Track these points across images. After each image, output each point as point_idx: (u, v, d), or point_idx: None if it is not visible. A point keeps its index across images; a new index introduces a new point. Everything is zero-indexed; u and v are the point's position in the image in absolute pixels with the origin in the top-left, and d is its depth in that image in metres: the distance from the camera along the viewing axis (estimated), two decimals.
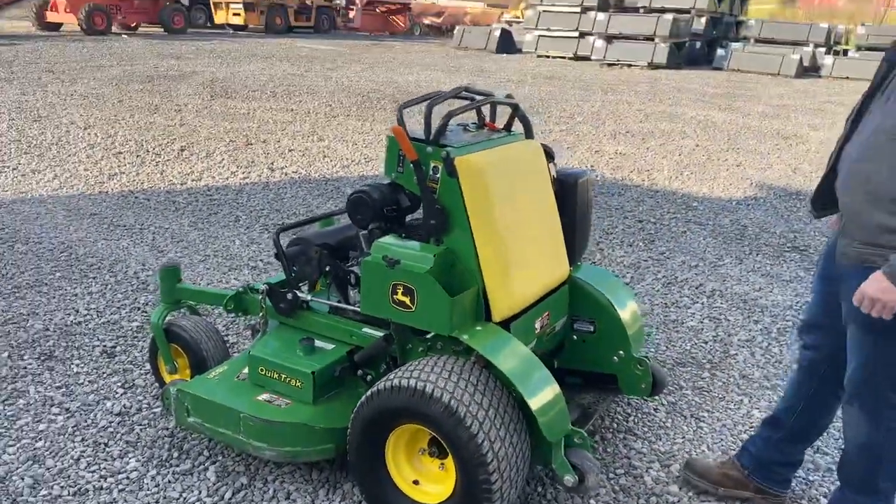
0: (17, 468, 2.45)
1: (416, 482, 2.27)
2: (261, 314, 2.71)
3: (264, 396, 2.46)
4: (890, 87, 1.92)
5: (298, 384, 2.42)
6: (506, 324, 2.35)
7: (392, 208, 2.57)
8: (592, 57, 19.51)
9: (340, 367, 2.50)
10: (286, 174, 6.51)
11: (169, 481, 2.43)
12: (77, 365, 3.13)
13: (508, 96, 2.71)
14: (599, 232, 5.32)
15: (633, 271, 4.54)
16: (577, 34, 20.15)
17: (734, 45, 20.11)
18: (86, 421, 2.74)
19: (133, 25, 21.55)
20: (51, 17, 19.85)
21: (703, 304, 4.05)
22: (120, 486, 2.40)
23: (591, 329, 2.76)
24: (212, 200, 5.62)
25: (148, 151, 6.98)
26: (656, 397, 3.02)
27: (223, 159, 6.86)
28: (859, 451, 2.14)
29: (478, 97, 2.58)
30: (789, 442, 2.40)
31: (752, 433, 2.59)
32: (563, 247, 2.68)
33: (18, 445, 2.57)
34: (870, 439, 2.10)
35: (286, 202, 5.65)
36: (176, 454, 2.57)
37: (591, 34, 19.76)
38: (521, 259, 2.41)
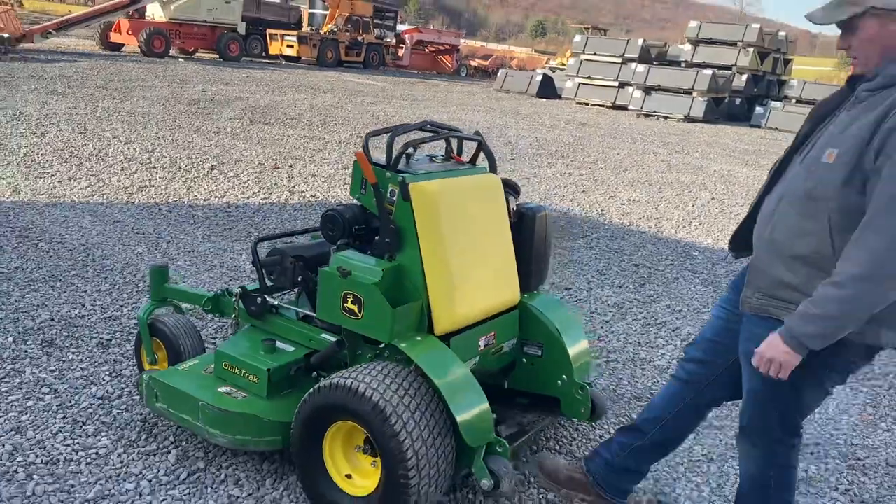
0: (1, 436, 2.72)
1: (348, 476, 2.47)
2: (234, 315, 2.97)
3: (224, 389, 2.70)
4: (809, 147, 2.02)
5: (255, 379, 2.66)
6: (447, 338, 2.56)
7: (361, 227, 2.81)
8: (630, 107, 19.77)
9: (296, 367, 2.72)
10: (305, 197, 6.83)
11: (133, 459, 2.67)
12: (73, 353, 3.42)
13: (477, 133, 2.95)
14: (593, 271, 5.50)
15: (616, 311, 4.69)
16: (616, 84, 20.46)
17: (774, 103, 20.17)
18: (70, 401, 3.00)
19: (191, 50, 22.54)
20: (114, 37, 20.89)
21: (675, 345, 4.19)
22: (88, 460, 2.64)
23: (539, 353, 2.94)
24: (229, 216, 5.95)
25: (180, 168, 7.39)
26: (596, 423, 3.18)
27: (248, 180, 7.22)
28: (751, 483, 2.27)
29: (442, 131, 2.84)
30: (647, 451, 2.53)
31: (608, 438, 2.71)
32: (515, 274, 2.88)
33: (5, 417, 2.84)
34: (761, 474, 2.23)
35: (299, 222, 5.95)
36: (144, 437, 2.81)
37: (630, 84, 20.05)
38: (466, 280, 2.61)
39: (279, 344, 2.82)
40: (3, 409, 2.90)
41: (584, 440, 3.12)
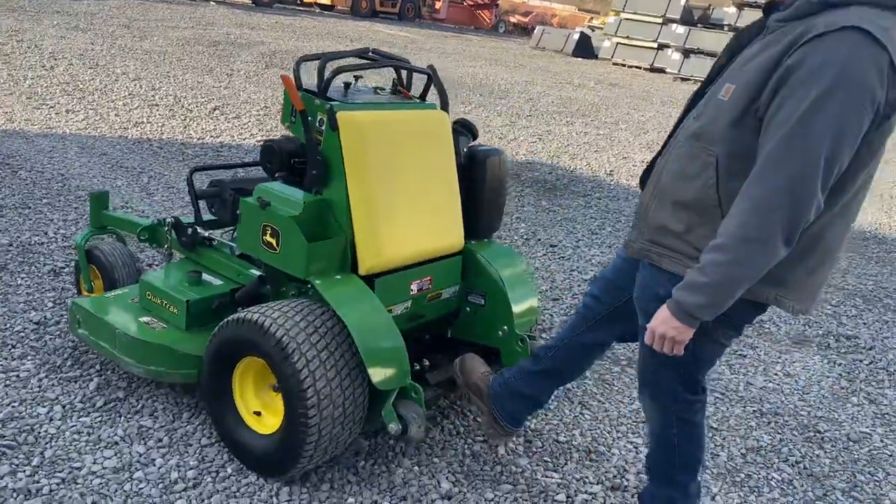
0: None
1: (258, 413, 2.38)
2: (166, 246, 2.88)
3: (145, 319, 2.62)
4: (719, 81, 1.78)
5: (175, 310, 2.58)
6: (373, 279, 2.44)
7: (301, 160, 2.68)
8: (668, 70, 19.16)
9: (219, 301, 2.63)
10: None
11: (52, 385, 2.62)
12: (22, 278, 3.38)
13: (430, 66, 2.78)
14: (585, 230, 5.31)
15: (599, 269, 4.52)
16: (655, 45, 19.82)
17: None
18: (5, 324, 2.96)
19: None
20: None
21: None
22: (7, 382, 2.60)
23: (482, 303, 2.81)
24: (219, 156, 5.87)
25: (182, 107, 7.31)
26: None
27: (249, 122, 7.12)
28: (657, 441, 2.14)
29: (385, 60, 2.68)
30: (538, 378, 2.40)
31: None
32: (458, 218, 2.73)
33: None
34: (663, 430, 2.09)
35: None
36: (70, 363, 2.76)
37: (669, 46, 19.40)
38: (396, 219, 2.48)
39: (207, 278, 2.73)
40: None
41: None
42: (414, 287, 2.59)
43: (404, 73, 2.82)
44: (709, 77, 1.91)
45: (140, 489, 2.18)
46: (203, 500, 2.18)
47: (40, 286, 3.33)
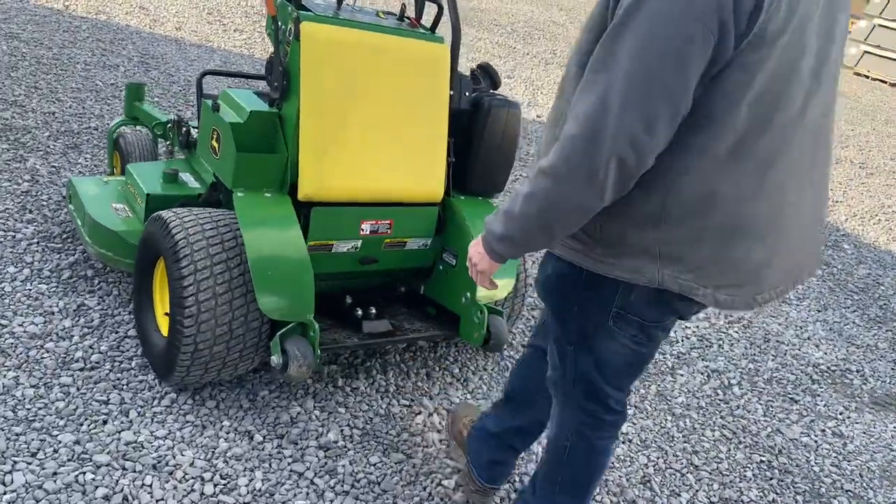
0: None
1: (167, 314, 2.36)
2: (168, 143, 2.93)
3: (118, 205, 2.69)
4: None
5: (139, 202, 2.61)
6: (310, 206, 2.30)
7: None
8: None
9: (183, 202, 2.63)
10: None
11: (36, 250, 2.78)
12: (85, 157, 3.63)
13: None
14: None
15: None
16: None
17: None
18: (39, 192, 3.20)
19: None
20: None
21: None
22: (2, 240, 2.80)
23: (454, 263, 2.58)
24: None
25: None
26: (497, 354, 2.83)
27: None
28: (550, 446, 1.81)
29: None
30: (506, 408, 2.09)
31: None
32: (439, 166, 2.50)
33: None
34: (557, 437, 1.77)
35: None
36: (63, 237, 2.92)
37: None
38: (350, 149, 2.31)
39: (187, 178, 2.73)
40: None
41: (476, 368, 2.72)
42: (366, 227, 2.41)
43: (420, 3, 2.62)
44: None
45: (39, 357, 2.25)
46: (88, 383, 2.20)
47: (96, 167, 3.56)
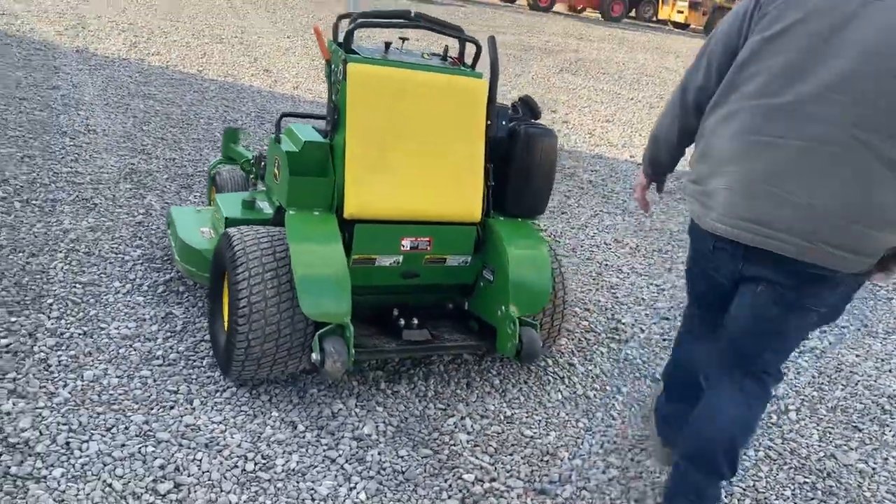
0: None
1: None
2: (252, 176, 3.33)
3: (204, 229, 3.09)
4: None
5: (221, 225, 2.99)
6: (354, 224, 2.57)
7: None
8: None
9: (255, 224, 2.98)
10: None
11: (140, 269, 3.23)
12: (157, 193, 4.14)
13: (490, 38, 2.82)
14: None
15: None
16: None
17: None
18: (144, 220, 3.69)
19: (579, 8, 23.17)
20: None
21: None
22: (113, 261, 3.27)
23: (491, 279, 2.77)
24: None
25: None
26: (538, 368, 2.95)
27: None
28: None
29: (429, 25, 2.76)
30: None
31: None
32: (476, 188, 2.71)
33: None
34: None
35: None
36: (163, 259, 3.36)
37: None
38: (391, 173, 2.57)
39: (262, 205, 3.10)
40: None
41: (517, 381, 2.86)
42: (406, 243, 2.66)
43: (467, 45, 2.88)
44: None
45: (127, 354, 2.64)
46: (163, 375, 2.56)
47: (202, 202, 4.05)
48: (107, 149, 4.63)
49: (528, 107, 3.00)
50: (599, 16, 22.78)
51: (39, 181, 3.95)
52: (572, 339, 3.30)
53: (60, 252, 3.25)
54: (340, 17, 2.80)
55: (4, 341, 2.57)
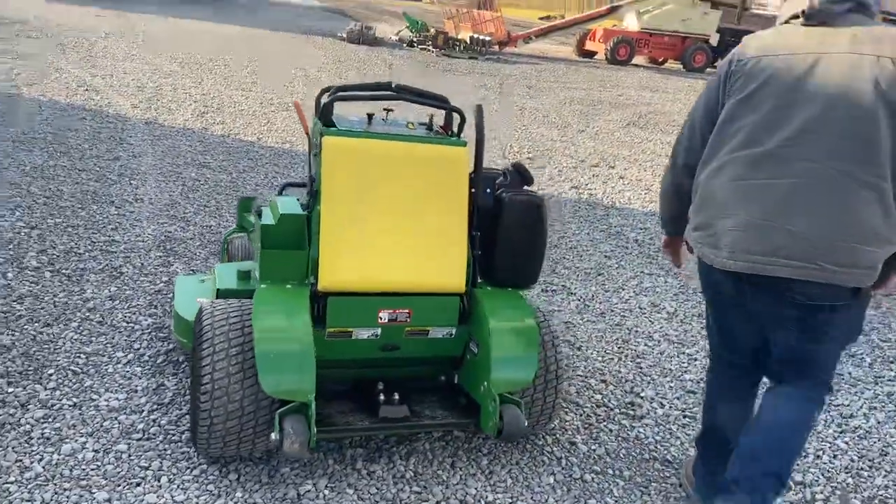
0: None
1: None
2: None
3: (202, 299, 3.10)
4: None
5: (213, 296, 3.01)
6: (330, 297, 2.52)
7: None
8: None
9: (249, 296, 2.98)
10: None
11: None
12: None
13: (478, 106, 2.77)
14: None
15: None
16: None
17: None
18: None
19: (660, 60, 22.89)
20: (588, 45, 22.47)
21: None
22: (127, 330, 3.35)
23: (476, 351, 2.66)
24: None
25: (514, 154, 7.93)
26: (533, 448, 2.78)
27: (562, 179, 7.38)
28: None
29: (410, 97, 2.73)
30: None
31: None
32: (459, 258, 2.64)
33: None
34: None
35: None
36: (167, 324, 3.41)
37: None
38: (366, 245, 2.53)
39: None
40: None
41: (498, 456, 2.69)
42: (384, 315, 2.58)
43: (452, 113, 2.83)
44: None
45: (109, 427, 2.65)
46: (140, 449, 2.55)
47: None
48: (148, 217, 4.81)
49: (518, 173, 2.90)
50: (681, 66, 22.42)
51: (75, 250, 4.13)
52: (580, 415, 3.10)
53: (74, 321, 3.35)
54: (322, 92, 2.82)
55: None
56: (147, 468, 2.47)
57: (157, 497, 2.34)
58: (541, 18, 23.51)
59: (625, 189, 7.11)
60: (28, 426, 2.60)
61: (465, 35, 18.88)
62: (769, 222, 2.05)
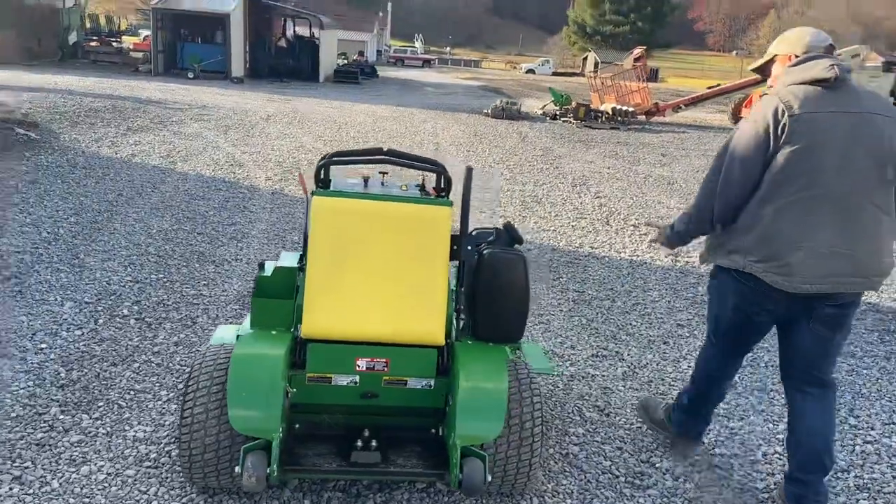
0: None
1: None
2: None
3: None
4: None
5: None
6: (310, 343, 2.72)
7: None
8: None
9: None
10: None
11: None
12: None
13: (468, 167, 2.94)
14: None
15: None
16: None
17: None
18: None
19: None
20: (743, 112, 21.67)
21: None
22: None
23: (451, 404, 2.73)
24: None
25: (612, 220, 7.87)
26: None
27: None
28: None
29: (399, 160, 2.93)
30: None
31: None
32: (438, 312, 2.75)
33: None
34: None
35: None
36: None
37: None
38: (347, 297, 2.73)
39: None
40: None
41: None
42: (362, 363, 2.74)
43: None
44: None
45: (128, 454, 2.97)
46: (145, 475, 2.84)
47: None
48: (240, 275, 5.30)
49: (507, 232, 2.99)
50: None
51: (164, 302, 4.65)
52: (580, 479, 3.03)
53: (136, 363, 3.79)
54: (321, 160, 3.08)
55: (41, 435, 3.06)
56: (145, 493, 2.75)
57: None
58: (708, 88, 23.01)
59: None
60: (62, 448, 2.98)
61: (607, 106, 18.96)
62: (832, 250, 2.55)
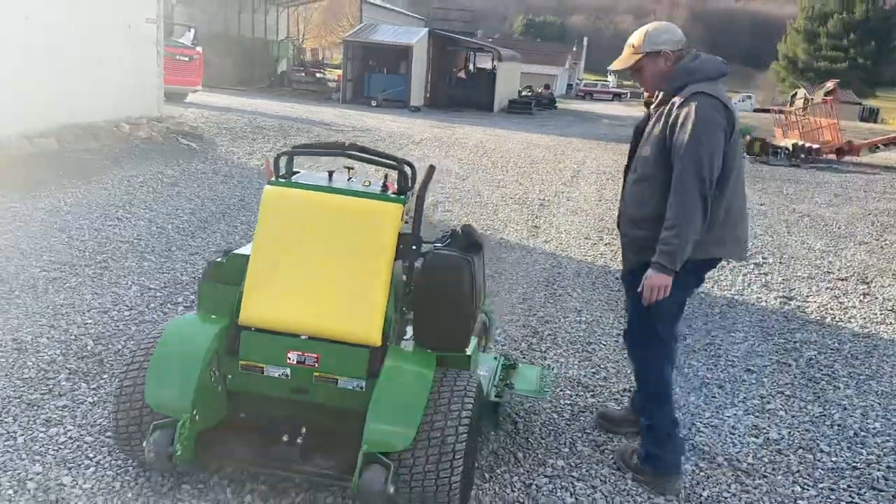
0: None
1: None
2: None
3: None
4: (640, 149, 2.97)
5: None
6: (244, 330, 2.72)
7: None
8: None
9: None
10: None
11: None
12: None
13: (430, 167, 2.84)
14: None
15: None
16: None
17: None
18: None
19: None
20: None
21: None
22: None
23: None
24: None
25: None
26: None
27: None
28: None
29: (361, 155, 2.85)
30: None
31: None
32: (374, 310, 2.65)
33: None
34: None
35: None
36: None
37: None
38: (283, 287, 2.70)
39: None
40: None
41: None
42: (292, 356, 2.68)
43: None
44: (630, 152, 3.09)
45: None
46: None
47: None
48: None
49: (465, 236, 2.81)
50: None
51: None
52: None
53: None
54: (281, 153, 3.05)
55: (36, 396, 3.30)
56: (91, 458, 2.87)
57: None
58: None
59: (856, 305, 5.92)
60: (47, 410, 3.20)
61: (788, 143, 17.48)
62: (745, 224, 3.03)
